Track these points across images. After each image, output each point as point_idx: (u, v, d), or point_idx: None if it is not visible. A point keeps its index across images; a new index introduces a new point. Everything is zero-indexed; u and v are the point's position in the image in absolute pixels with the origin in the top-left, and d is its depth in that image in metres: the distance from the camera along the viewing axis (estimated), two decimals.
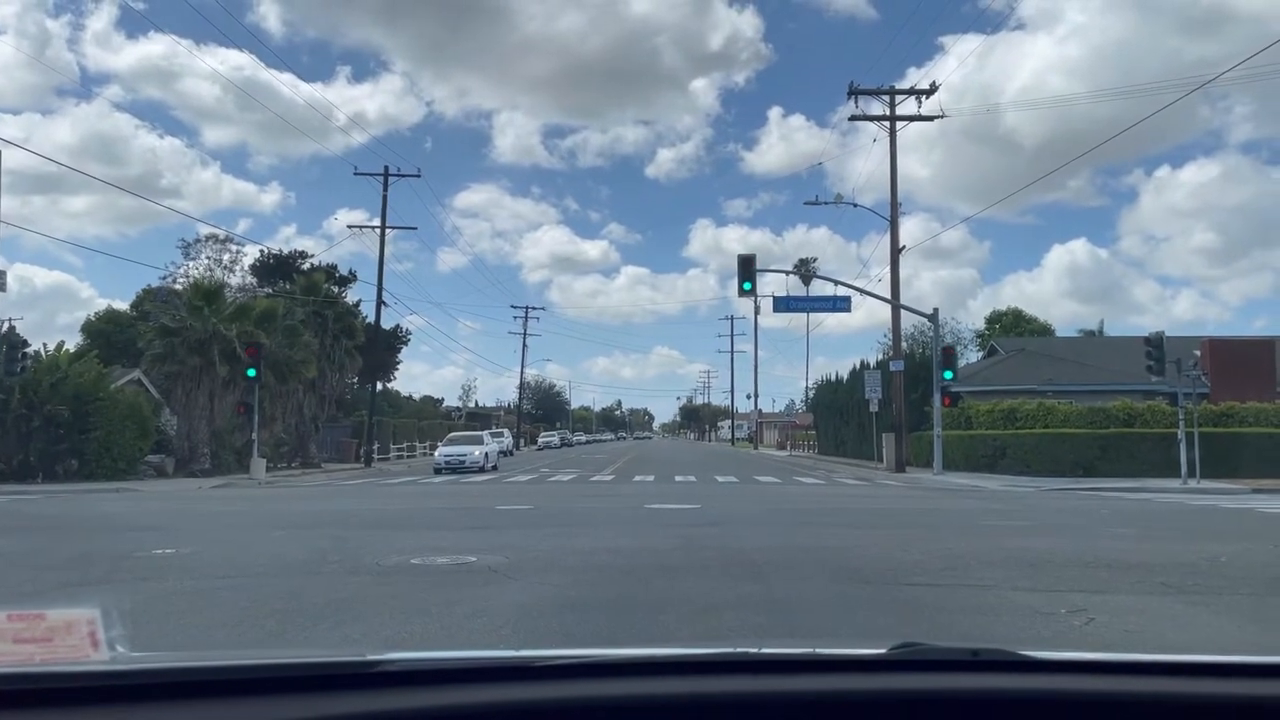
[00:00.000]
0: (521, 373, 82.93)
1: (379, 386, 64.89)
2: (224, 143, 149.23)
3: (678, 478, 27.89)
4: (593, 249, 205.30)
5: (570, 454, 61.55)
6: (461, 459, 32.84)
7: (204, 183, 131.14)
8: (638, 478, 27.96)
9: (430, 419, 62.15)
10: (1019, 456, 28.28)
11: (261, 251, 47.72)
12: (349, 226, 41.53)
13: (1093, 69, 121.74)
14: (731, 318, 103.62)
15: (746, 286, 29.26)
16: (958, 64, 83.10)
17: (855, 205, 32.12)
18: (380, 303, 39.80)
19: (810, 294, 31.48)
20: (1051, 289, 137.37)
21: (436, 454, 34.87)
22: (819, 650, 1.54)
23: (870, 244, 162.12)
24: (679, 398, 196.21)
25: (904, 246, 31.35)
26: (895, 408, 30.99)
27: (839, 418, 47.89)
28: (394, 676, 1.30)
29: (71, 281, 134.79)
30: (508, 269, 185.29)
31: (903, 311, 31.71)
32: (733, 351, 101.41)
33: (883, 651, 1.44)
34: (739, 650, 1.52)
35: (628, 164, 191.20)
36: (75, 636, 1.34)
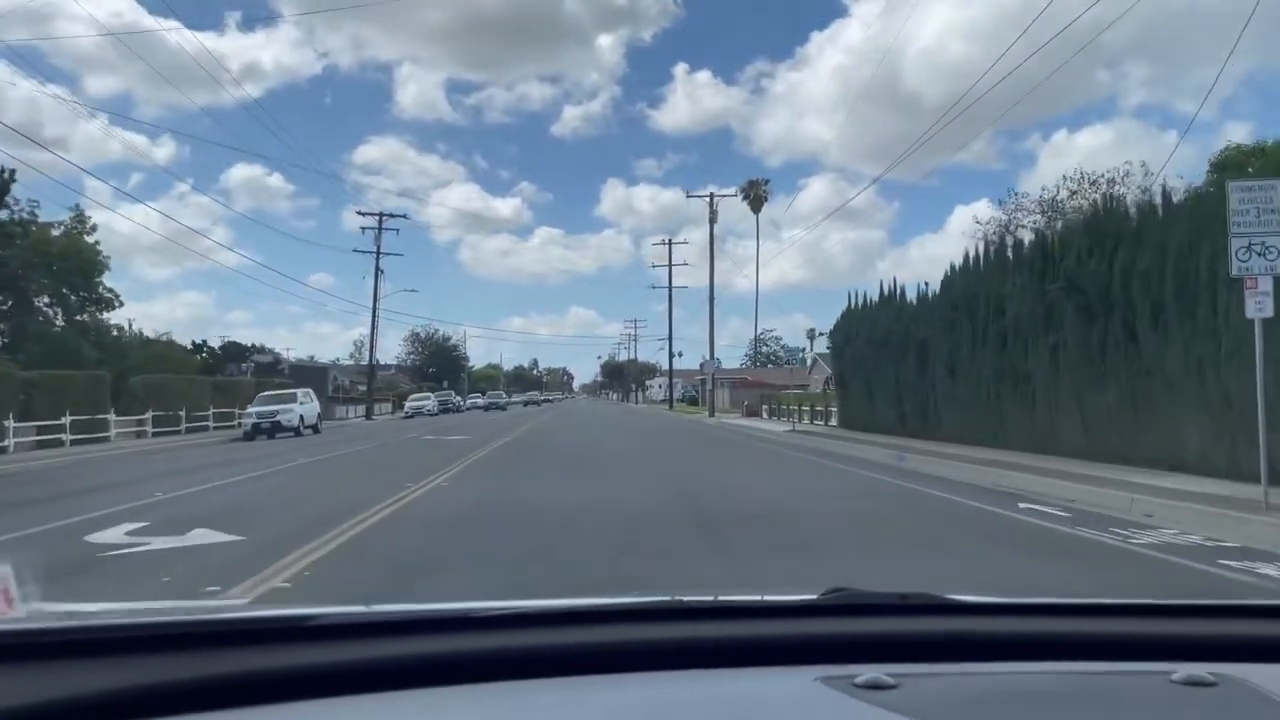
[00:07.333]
0: (374, 307, 57.61)
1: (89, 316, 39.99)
2: (109, 92, 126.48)
3: None
4: (504, 207, 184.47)
5: (433, 425, 40.12)
6: None
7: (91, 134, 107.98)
8: None
9: (182, 372, 37.26)
10: None
11: None
12: None
13: (996, 31, 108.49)
14: (669, 240, 76.60)
15: None
16: (863, 28, 63.81)
17: None
18: None
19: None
20: (955, 250, 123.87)
21: None
22: (749, 597, 1.48)
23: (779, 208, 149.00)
24: (599, 357, 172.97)
25: None
26: None
27: (895, 363, 24.85)
28: (326, 630, 1.23)
29: None
30: (417, 226, 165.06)
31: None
32: (671, 286, 74.30)
33: (814, 597, 1.41)
34: (670, 599, 1.44)
35: (535, 122, 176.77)
36: None
